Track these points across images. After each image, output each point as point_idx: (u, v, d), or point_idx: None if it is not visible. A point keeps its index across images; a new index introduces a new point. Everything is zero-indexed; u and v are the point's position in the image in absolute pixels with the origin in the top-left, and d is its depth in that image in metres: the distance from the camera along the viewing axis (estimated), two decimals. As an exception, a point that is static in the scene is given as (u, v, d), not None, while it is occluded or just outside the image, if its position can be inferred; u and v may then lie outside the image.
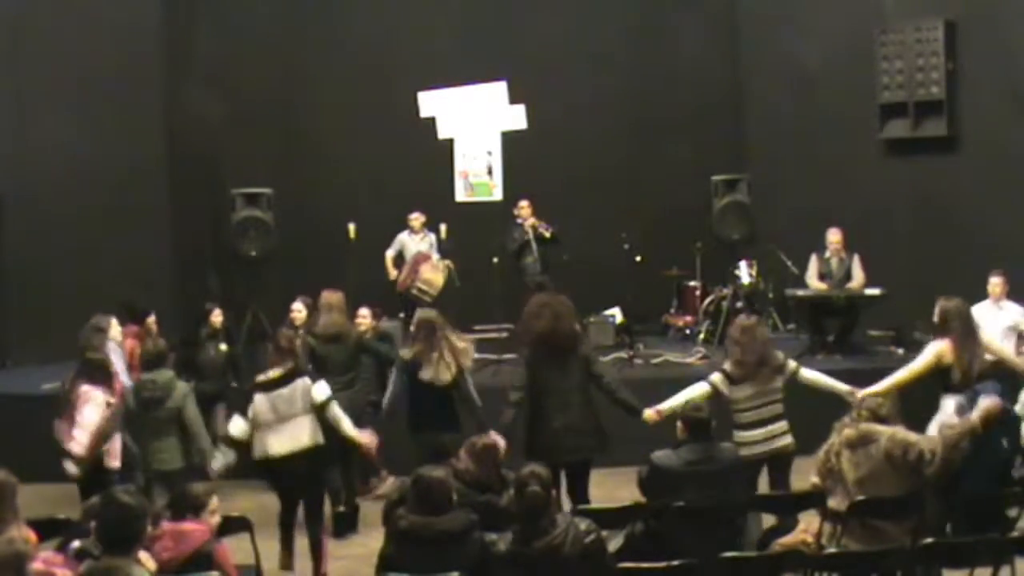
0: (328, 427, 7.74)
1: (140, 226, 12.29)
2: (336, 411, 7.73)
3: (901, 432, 6.27)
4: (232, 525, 6.49)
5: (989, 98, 11.40)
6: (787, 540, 6.31)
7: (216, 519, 5.82)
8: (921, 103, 11.81)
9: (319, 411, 7.66)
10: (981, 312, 9.16)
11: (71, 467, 7.65)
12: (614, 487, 8.08)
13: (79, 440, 7.56)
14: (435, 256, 12.07)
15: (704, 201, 12.88)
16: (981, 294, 9.54)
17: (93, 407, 7.64)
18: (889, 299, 10.90)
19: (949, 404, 7.47)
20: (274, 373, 7.69)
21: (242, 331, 12.13)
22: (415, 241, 12.25)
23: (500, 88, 11.80)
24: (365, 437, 7.88)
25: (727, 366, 7.52)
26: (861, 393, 7.22)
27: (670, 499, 6.22)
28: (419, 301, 11.78)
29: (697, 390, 7.44)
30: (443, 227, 12.49)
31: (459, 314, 12.13)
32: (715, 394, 7.42)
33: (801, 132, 12.89)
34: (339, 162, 13.60)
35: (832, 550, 6.00)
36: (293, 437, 7.60)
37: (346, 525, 8.69)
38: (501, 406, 7.75)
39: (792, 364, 7.60)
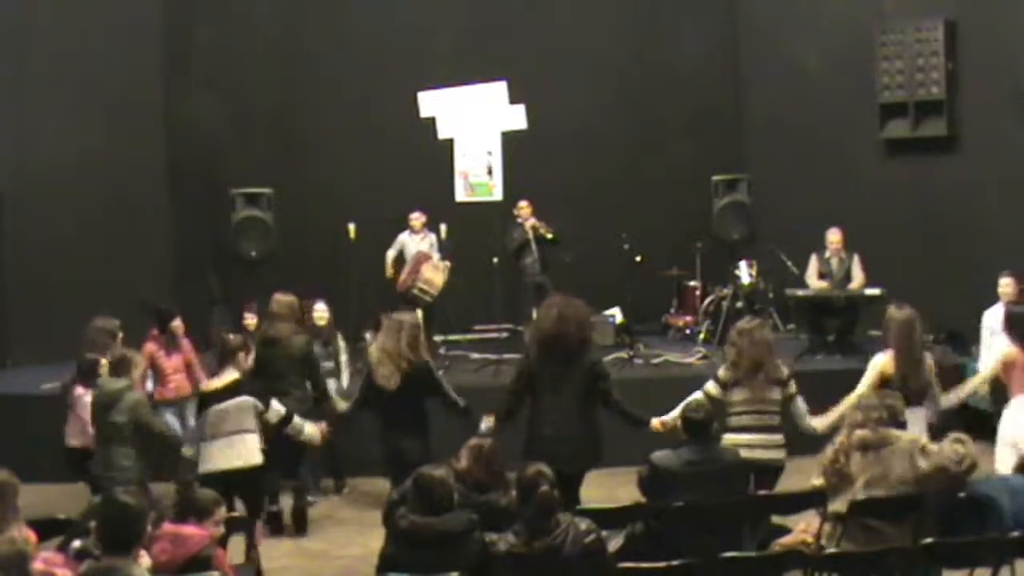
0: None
1: (140, 226, 12.30)
2: (296, 420, 7.77)
3: (929, 444, 6.19)
4: (232, 525, 6.50)
5: (989, 98, 11.41)
6: (787, 540, 6.31)
7: (220, 530, 5.82)
8: (921, 103, 11.82)
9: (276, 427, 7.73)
10: (996, 315, 9.03)
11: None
12: (614, 487, 8.09)
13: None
14: (436, 256, 12.07)
15: (704, 201, 12.88)
16: (982, 294, 9.54)
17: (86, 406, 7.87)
18: (889, 299, 10.89)
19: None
20: (220, 384, 7.77)
21: (242, 332, 12.13)
22: (415, 241, 12.25)
23: (500, 88, 11.79)
24: (317, 428, 7.94)
25: (720, 371, 7.41)
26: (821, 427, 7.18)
27: (670, 499, 6.22)
28: (419, 301, 11.78)
29: (695, 398, 7.26)
30: (443, 227, 12.49)
31: (459, 314, 12.22)
32: (710, 402, 7.22)
33: (801, 132, 12.90)
34: (339, 162, 13.60)
35: (832, 550, 5.99)
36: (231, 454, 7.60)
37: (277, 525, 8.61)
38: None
39: (792, 388, 7.37)
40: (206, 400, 7.76)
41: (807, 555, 5.89)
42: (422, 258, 11.85)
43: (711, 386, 7.36)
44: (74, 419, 8.24)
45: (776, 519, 6.88)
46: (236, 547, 6.64)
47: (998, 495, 5.84)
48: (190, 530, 5.54)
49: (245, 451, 7.62)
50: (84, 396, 8.05)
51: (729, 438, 7.18)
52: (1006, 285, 9.44)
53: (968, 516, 5.89)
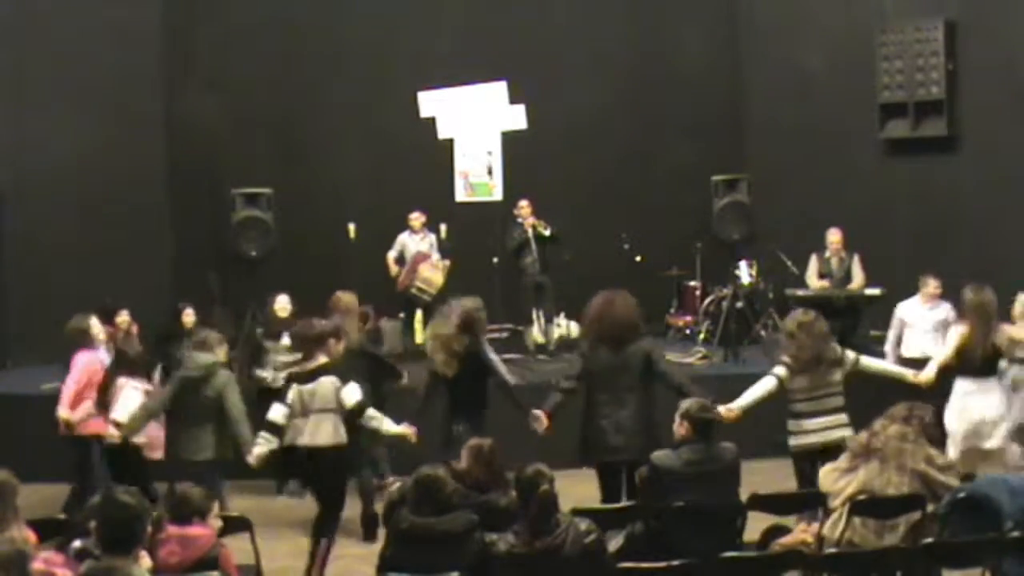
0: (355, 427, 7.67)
1: (140, 226, 12.30)
2: (370, 412, 7.57)
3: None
4: (232, 525, 6.50)
5: (989, 98, 11.41)
6: (787, 540, 6.30)
7: (218, 523, 5.83)
8: (921, 103, 11.81)
9: (351, 415, 7.55)
10: (910, 309, 9.77)
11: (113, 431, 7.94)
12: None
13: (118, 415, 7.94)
14: (435, 256, 12.07)
15: (704, 201, 12.87)
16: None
17: (131, 392, 8.04)
18: (889, 299, 10.89)
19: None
20: (304, 368, 7.70)
21: (242, 332, 12.13)
22: (415, 241, 12.24)
23: (500, 88, 11.79)
24: (408, 429, 7.64)
25: (786, 358, 7.52)
26: (921, 376, 7.71)
27: (670, 499, 6.22)
28: (418, 300, 11.79)
29: (766, 386, 7.46)
30: (443, 227, 12.49)
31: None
32: (782, 387, 7.43)
33: (801, 132, 12.89)
34: (339, 162, 13.59)
35: (832, 550, 6.00)
36: (313, 433, 7.54)
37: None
38: (506, 404, 7.77)
39: (851, 355, 7.61)
40: (295, 378, 7.70)
41: (807, 555, 5.89)
42: (420, 258, 11.85)
43: (783, 372, 7.47)
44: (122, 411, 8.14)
45: (776, 519, 6.88)
46: (236, 547, 6.64)
47: (998, 495, 5.85)
48: (196, 530, 5.55)
49: (328, 431, 7.56)
50: (128, 382, 8.14)
51: (793, 424, 7.41)
52: (935, 287, 9.83)
53: (968, 516, 5.89)
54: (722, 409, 7.37)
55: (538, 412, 7.53)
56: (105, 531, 4.69)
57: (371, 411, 7.57)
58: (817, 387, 7.43)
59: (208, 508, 5.73)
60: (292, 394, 7.53)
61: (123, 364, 8.36)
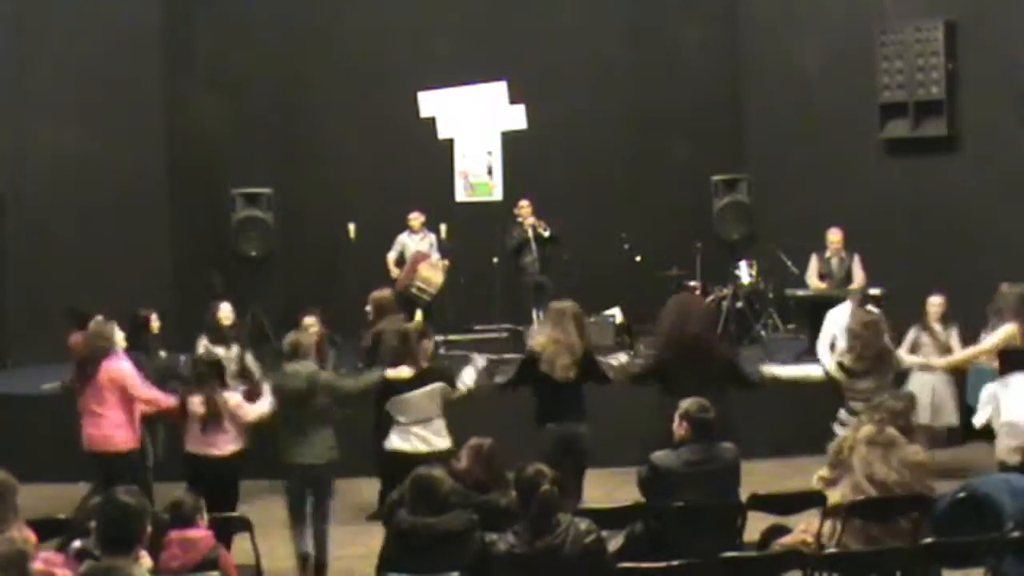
0: None
1: (140, 226, 12.29)
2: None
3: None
4: (232, 525, 6.50)
5: (989, 98, 11.40)
6: (787, 540, 6.30)
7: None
8: (921, 103, 11.80)
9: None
10: (841, 316, 9.53)
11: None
12: (614, 487, 8.08)
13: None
14: (435, 256, 12.07)
15: (704, 201, 12.88)
16: (981, 294, 9.52)
17: (240, 402, 7.73)
18: (889, 299, 10.90)
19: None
20: (405, 372, 7.68)
21: (242, 331, 12.13)
22: (415, 241, 12.24)
23: (500, 88, 11.81)
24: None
25: (846, 360, 7.61)
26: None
27: (670, 499, 6.22)
28: (418, 300, 11.79)
29: (814, 372, 7.74)
30: (443, 227, 12.49)
31: (459, 314, 12.21)
32: (832, 383, 7.62)
33: (801, 132, 12.88)
34: (339, 162, 13.60)
35: (832, 550, 6.00)
36: (425, 439, 7.57)
37: None
38: (506, 404, 7.78)
39: (898, 359, 7.96)
40: (392, 388, 7.69)
41: (807, 555, 5.89)
42: (419, 257, 11.85)
43: (836, 371, 7.65)
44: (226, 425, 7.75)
45: (776, 519, 6.89)
46: (236, 547, 6.65)
47: (999, 495, 5.85)
48: (197, 533, 5.58)
49: (431, 437, 7.59)
50: (234, 396, 7.82)
51: (850, 419, 7.47)
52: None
53: (969, 516, 5.90)
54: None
55: None
56: (105, 531, 4.70)
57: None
58: (880, 388, 7.53)
59: (200, 510, 5.73)
60: (392, 404, 7.57)
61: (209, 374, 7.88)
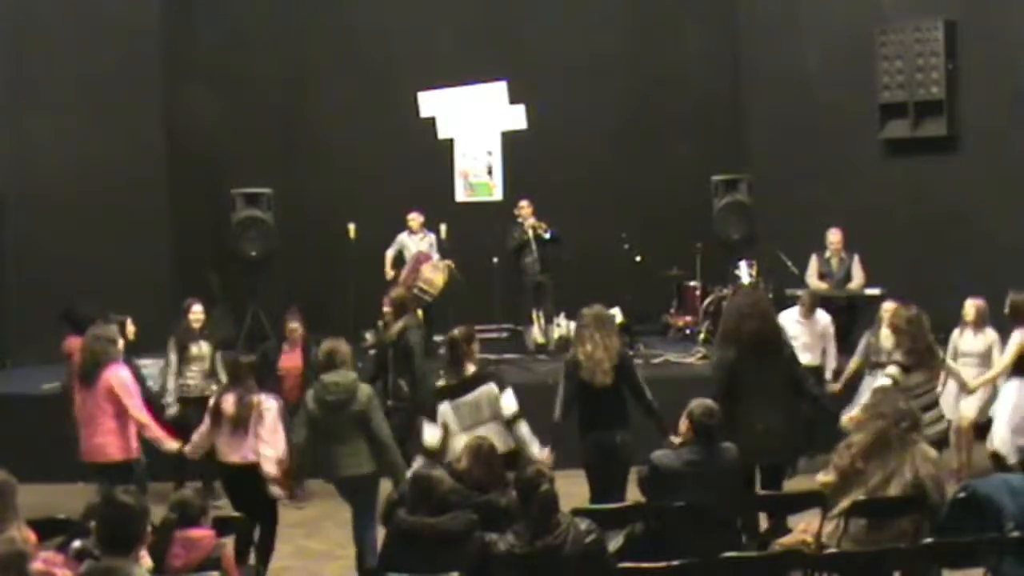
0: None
1: (140, 226, 12.30)
2: (523, 430, 7.24)
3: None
4: (232, 525, 6.50)
5: (989, 98, 11.41)
6: (787, 540, 6.30)
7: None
8: (921, 103, 11.81)
9: (507, 424, 7.25)
10: (789, 320, 9.81)
11: (277, 491, 7.23)
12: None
13: (269, 458, 7.17)
14: (435, 256, 12.07)
15: (704, 201, 12.89)
16: (980, 294, 9.54)
17: (275, 418, 7.32)
18: (889, 299, 10.90)
19: None
20: (456, 379, 7.36)
21: (242, 331, 12.15)
22: (415, 241, 12.24)
23: (500, 88, 11.81)
24: (548, 456, 7.22)
25: (899, 356, 7.64)
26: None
27: (670, 499, 6.22)
28: (419, 300, 11.78)
29: (881, 384, 7.57)
30: (443, 227, 12.49)
31: (459, 314, 12.20)
32: (895, 386, 7.51)
33: (801, 132, 12.89)
34: (339, 162, 13.60)
35: (832, 550, 5.99)
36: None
37: None
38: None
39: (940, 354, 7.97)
40: (447, 392, 7.37)
41: (807, 555, 5.89)
42: (422, 258, 11.85)
43: (895, 371, 7.61)
44: (247, 432, 7.37)
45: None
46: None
47: (999, 495, 5.85)
48: (199, 532, 5.58)
49: (499, 440, 7.13)
50: (267, 402, 7.39)
51: None
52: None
53: (969, 516, 5.89)
54: (845, 419, 7.57)
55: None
56: (104, 531, 4.70)
57: (525, 425, 7.24)
58: (928, 381, 7.64)
59: (207, 509, 5.74)
60: (445, 411, 7.26)
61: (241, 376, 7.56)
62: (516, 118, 11.92)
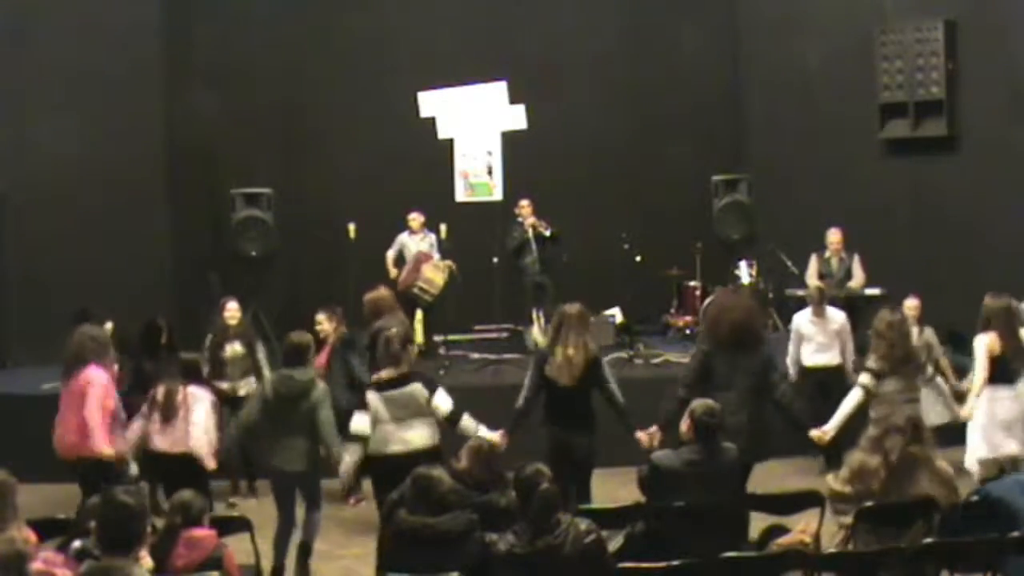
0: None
1: (140, 226, 12.29)
2: (465, 423, 7.49)
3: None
4: (232, 525, 6.50)
5: (989, 98, 11.41)
6: (786, 540, 6.30)
7: None
8: (921, 103, 11.82)
9: (446, 422, 7.54)
10: (803, 321, 9.90)
11: (210, 462, 7.90)
12: (614, 487, 8.08)
13: (200, 441, 7.86)
14: (436, 256, 12.07)
15: (704, 201, 12.88)
16: (980, 294, 9.52)
17: (204, 406, 7.95)
18: (889, 299, 10.90)
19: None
20: (386, 374, 7.65)
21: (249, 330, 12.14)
22: (415, 241, 12.24)
23: (500, 88, 11.79)
24: (501, 437, 7.39)
25: (872, 363, 7.53)
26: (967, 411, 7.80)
27: (670, 499, 6.22)
28: (420, 300, 11.79)
29: (854, 399, 7.50)
30: (443, 227, 12.49)
31: (459, 314, 12.21)
32: (869, 396, 7.48)
33: (801, 132, 12.90)
34: (339, 162, 13.59)
35: (832, 550, 5.99)
36: (405, 439, 7.50)
37: None
38: (506, 404, 7.73)
39: (929, 372, 7.94)
40: (379, 385, 7.67)
41: (807, 555, 5.89)
42: (423, 258, 11.84)
43: (868, 380, 7.51)
44: (179, 422, 7.96)
45: (776, 519, 6.88)
46: (236, 547, 6.64)
47: (1012, 497, 5.83)
48: (200, 532, 5.59)
49: (424, 434, 7.53)
50: (198, 393, 8.05)
51: None
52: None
53: (982, 519, 5.88)
54: (815, 432, 7.42)
55: (651, 430, 7.34)
56: (104, 532, 4.70)
57: (466, 418, 7.52)
58: (907, 390, 7.51)
59: (207, 510, 5.75)
60: (374, 401, 7.53)
61: (189, 373, 8.22)
62: (516, 118, 11.90)
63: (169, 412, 7.98)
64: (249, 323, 9.98)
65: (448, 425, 7.57)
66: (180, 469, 7.76)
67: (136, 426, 8.07)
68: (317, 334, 9.08)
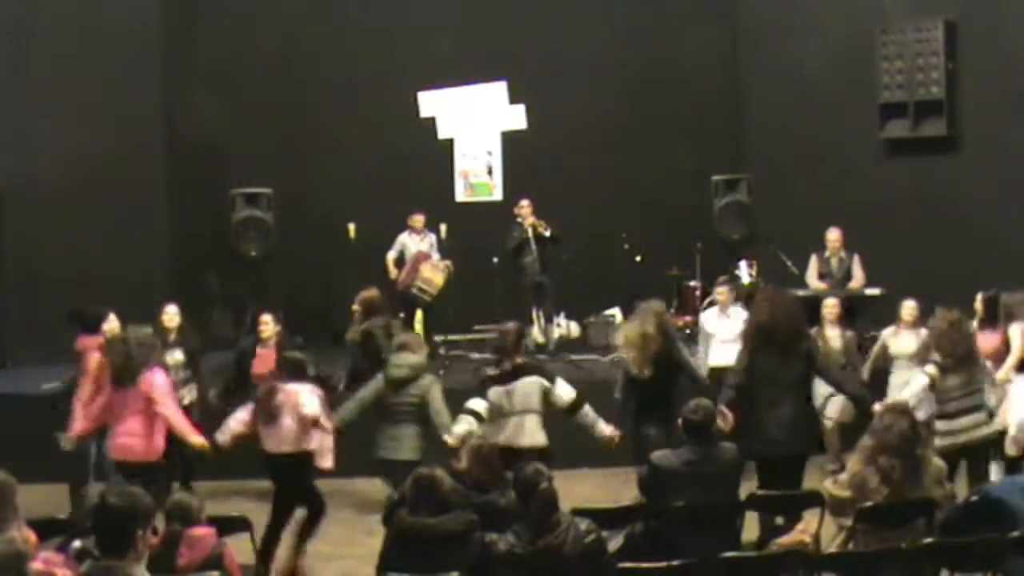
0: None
1: (140, 226, 12.29)
2: (587, 411, 7.67)
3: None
4: (232, 525, 6.50)
5: (989, 98, 11.41)
6: (786, 540, 6.30)
7: None
8: (921, 103, 11.81)
9: (567, 412, 7.67)
10: (709, 319, 9.98)
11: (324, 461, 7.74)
12: (614, 487, 8.08)
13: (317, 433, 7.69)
14: (435, 256, 12.07)
15: (704, 201, 12.88)
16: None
17: (314, 399, 7.71)
18: (889, 299, 10.89)
19: None
20: (503, 369, 7.73)
21: (242, 332, 12.13)
22: (415, 241, 12.24)
23: (500, 88, 11.80)
24: (614, 432, 7.69)
25: (938, 358, 7.64)
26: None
27: (670, 499, 6.22)
28: (419, 300, 11.79)
29: (919, 385, 7.66)
30: (443, 227, 12.49)
31: (459, 314, 12.21)
32: (932, 387, 7.62)
33: (801, 132, 12.89)
34: (339, 162, 13.60)
35: (832, 550, 5.99)
36: (513, 435, 7.57)
37: None
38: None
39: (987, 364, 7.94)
40: (498, 379, 7.73)
41: (807, 555, 5.88)
42: (421, 257, 11.85)
43: (933, 370, 7.64)
44: (294, 421, 7.72)
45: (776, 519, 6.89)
46: (237, 547, 6.64)
47: (1011, 498, 5.82)
48: (201, 531, 5.60)
49: (531, 430, 7.60)
50: (304, 388, 7.79)
51: (945, 425, 7.56)
52: (721, 292, 10.11)
53: (982, 520, 5.87)
54: (876, 406, 7.38)
55: (723, 410, 7.43)
56: (98, 535, 4.68)
57: (587, 408, 7.67)
58: (967, 384, 7.60)
59: (202, 510, 5.73)
60: (495, 396, 7.61)
61: (294, 371, 7.97)
62: (516, 118, 11.91)
63: (271, 412, 7.70)
64: (190, 330, 9.60)
65: (569, 415, 7.68)
66: (288, 469, 7.72)
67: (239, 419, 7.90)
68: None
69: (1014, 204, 11.13)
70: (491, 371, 7.86)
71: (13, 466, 5.64)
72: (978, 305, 8.87)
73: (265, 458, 7.84)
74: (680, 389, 8.04)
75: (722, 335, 9.74)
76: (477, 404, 7.61)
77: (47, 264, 11.98)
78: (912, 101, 11.86)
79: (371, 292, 9.83)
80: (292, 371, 7.93)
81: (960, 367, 7.63)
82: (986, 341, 8.41)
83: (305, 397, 7.66)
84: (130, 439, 7.69)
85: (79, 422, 8.16)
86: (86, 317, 8.91)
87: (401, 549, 5.65)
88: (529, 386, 7.60)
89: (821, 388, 8.21)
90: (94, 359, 8.48)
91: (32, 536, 5.32)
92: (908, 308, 9.57)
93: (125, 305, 9.68)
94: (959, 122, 11.67)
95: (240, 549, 6.44)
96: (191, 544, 5.51)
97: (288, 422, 7.65)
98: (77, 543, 5.22)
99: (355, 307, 9.65)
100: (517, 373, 7.66)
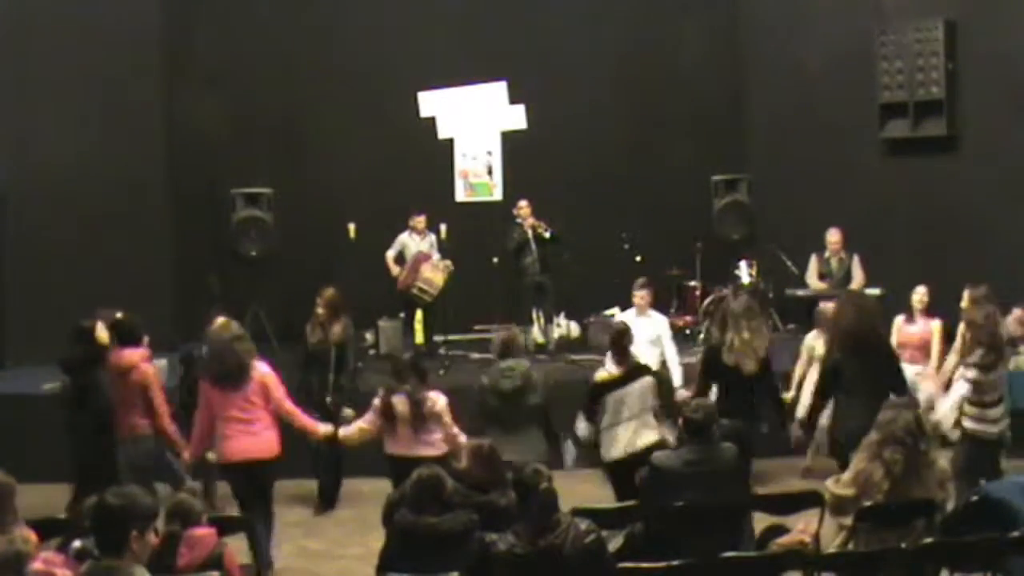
0: None
1: (140, 226, 12.30)
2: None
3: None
4: (232, 525, 6.51)
5: (989, 98, 11.41)
6: (785, 540, 6.30)
7: None
8: (921, 103, 11.82)
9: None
10: (627, 320, 9.62)
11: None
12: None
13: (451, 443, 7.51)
14: (436, 256, 12.07)
15: (704, 201, 12.88)
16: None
17: (446, 410, 7.61)
18: (889, 299, 10.90)
19: None
20: (618, 372, 7.75)
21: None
22: (415, 241, 12.24)
23: (500, 88, 11.79)
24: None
25: (976, 358, 7.59)
26: None
27: (670, 499, 6.22)
28: (419, 300, 11.79)
29: (959, 394, 7.66)
30: (443, 227, 12.49)
31: (459, 314, 12.21)
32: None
33: (801, 132, 12.90)
34: (339, 162, 13.59)
35: (832, 550, 5.99)
36: (632, 440, 7.60)
37: None
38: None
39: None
40: (603, 388, 7.74)
41: (807, 555, 5.88)
42: (422, 258, 11.85)
43: (975, 375, 7.59)
44: (433, 425, 7.61)
45: (776, 519, 6.88)
46: (237, 547, 6.64)
47: (1012, 498, 5.82)
48: (201, 531, 5.60)
49: (650, 429, 7.66)
50: (439, 397, 7.68)
51: (989, 413, 7.55)
52: (641, 296, 9.94)
53: (983, 520, 5.87)
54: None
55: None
56: (96, 536, 4.68)
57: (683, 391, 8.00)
58: (1001, 376, 7.65)
59: (204, 509, 5.75)
60: (613, 400, 7.64)
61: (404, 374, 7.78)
62: (516, 118, 11.89)
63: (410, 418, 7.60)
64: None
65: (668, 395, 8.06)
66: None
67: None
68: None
69: (1014, 204, 11.14)
70: (602, 374, 7.87)
71: (13, 466, 5.65)
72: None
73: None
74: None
75: (640, 336, 9.54)
76: (584, 431, 7.76)
77: (47, 264, 11.97)
78: (912, 101, 11.86)
79: (332, 290, 9.47)
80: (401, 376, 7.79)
81: (997, 363, 7.62)
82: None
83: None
84: (254, 438, 7.39)
85: (194, 443, 7.65)
86: (124, 328, 8.25)
87: (401, 548, 5.65)
88: (642, 386, 7.72)
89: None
90: (148, 371, 8.04)
91: (32, 536, 5.32)
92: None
93: (125, 304, 9.69)
94: (959, 122, 11.67)
95: (240, 549, 6.46)
96: (191, 544, 5.52)
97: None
98: (77, 543, 5.22)
99: (320, 309, 9.32)
100: (633, 375, 7.75)
